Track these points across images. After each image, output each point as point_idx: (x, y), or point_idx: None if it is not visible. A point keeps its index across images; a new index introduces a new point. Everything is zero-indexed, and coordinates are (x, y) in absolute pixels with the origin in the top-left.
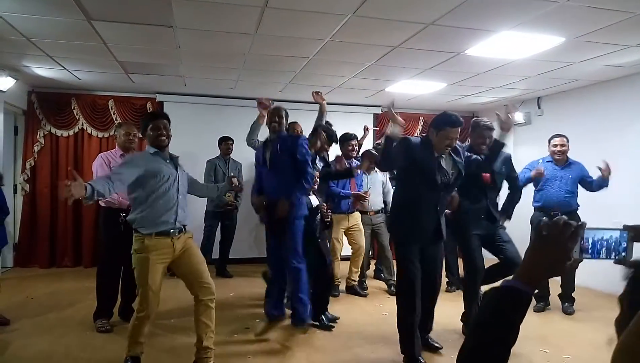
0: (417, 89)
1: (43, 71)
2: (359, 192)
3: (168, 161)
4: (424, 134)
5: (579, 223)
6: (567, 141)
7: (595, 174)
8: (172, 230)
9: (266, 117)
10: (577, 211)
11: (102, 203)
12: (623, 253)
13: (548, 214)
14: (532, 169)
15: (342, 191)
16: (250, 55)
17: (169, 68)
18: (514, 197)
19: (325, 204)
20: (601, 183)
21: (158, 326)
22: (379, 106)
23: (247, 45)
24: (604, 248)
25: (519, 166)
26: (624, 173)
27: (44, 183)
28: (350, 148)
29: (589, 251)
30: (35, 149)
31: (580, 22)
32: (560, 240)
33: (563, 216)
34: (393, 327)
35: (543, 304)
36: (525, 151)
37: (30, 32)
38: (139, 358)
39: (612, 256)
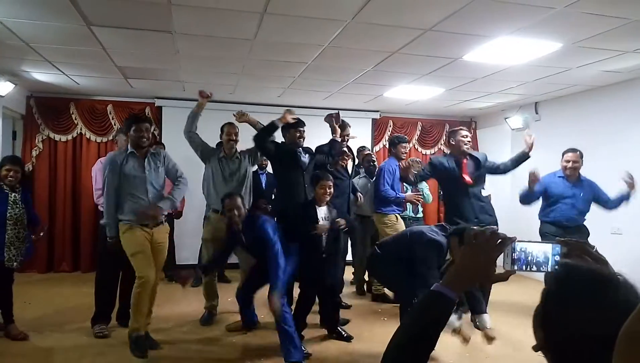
0: (416, 94)
1: (42, 75)
2: (414, 194)
3: (140, 158)
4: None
5: (510, 236)
6: (582, 157)
7: (609, 186)
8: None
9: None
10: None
11: (100, 208)
12: (555, 267)
13: (557, 226)
14: (541, 187)
15: (398, 194)
16: (249, 60)
17: (168, 73)
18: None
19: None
20: (622, 199)
21: (156, 330)
22: (378, 111)
23: (246, 50)
24: (535, 261)
25: (516, 170)
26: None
27: (42, 188)
28: (403, 150)
29: (522, 263)
30: (34, 154)
31: (578, 28)
32: (486, 249)
33: (492, 226)
34: None
35: None
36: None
37: (29, 37)
38: (142, 336)
39: (543, 269)
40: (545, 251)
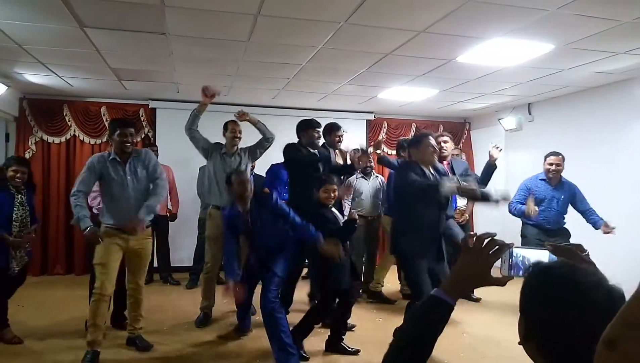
0: (410, 95)
1: (35, 77)
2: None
3: (122, 163)
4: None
5: (507, 243)
6: (563, 161)
7: (600, 187)
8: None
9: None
10: (566, 226)
11: (94, 210)
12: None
13: (539, 228)
14: (527, 191)
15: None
16: (244, 62)
17: (161, 75)
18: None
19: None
20: (597, 224)
21: (150, 333)
22: (372, 113)
23: (240, 52)
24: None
25: (510, 170)
26: (615, 179)
27: (36, 190)
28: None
29: (519, 269)
30: (27, 156)
31: (569, 30)
32: (483, 254)
33: (490, 232)
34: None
35: None
36: (516, 157)
37: (22, 39)
38: (97, 353)
39: None
40: (541, 258)
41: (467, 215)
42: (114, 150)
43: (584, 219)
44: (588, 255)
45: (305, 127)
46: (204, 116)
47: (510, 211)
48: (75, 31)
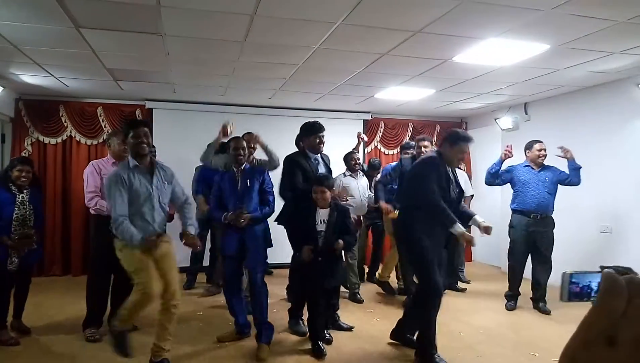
0: (406, 95)
1: (31, 78)
2: None
3: (146, 173)
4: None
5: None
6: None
7: (596, 184)
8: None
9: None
10: (553, 215)
11: (92, 211)
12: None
13: (528, 216)
14: (509, 173)
15: None
16: (240, 62)
17: (158, 75)
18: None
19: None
20: (573, 169)
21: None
22: (369, 113)
23: (236, 52)
24: (587, 291)
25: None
26: (611, 178)
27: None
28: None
29: (583, 295)
30: None
31: (565, 30)
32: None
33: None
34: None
35: (514, 303)
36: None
37: (17, 39)
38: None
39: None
40: (594, 281)
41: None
42: (130, 155)
43: (575, 182)
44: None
45: (307, 133)
46: (200, 118)
47: (486, 178)
48: (70, 32)
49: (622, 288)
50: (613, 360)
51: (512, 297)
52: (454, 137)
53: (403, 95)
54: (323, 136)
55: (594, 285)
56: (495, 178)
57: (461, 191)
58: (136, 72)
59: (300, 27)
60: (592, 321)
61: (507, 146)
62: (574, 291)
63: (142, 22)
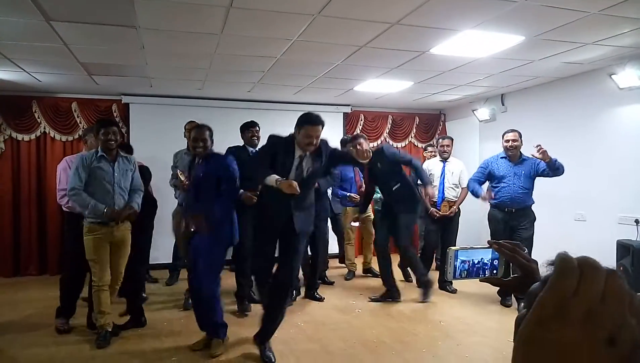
0: (385, 87)
1: (1, 73)
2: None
3: (110, 160)
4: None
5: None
6: (520, 137)
7: (570, 173)
8: (110, 222)
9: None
10: (532, 207)
11: (64, 208)
12: (494, 271)
13: (503, 210)
14: (485, 170)
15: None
16: (217, 55)
17: (133, 69)
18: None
19: None
20: (551, 168)
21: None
22: (349, 105)
23: (213, 45)
24: (475, 268)
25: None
26: (586, 168)
27: (6, 189)
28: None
29: (472, 273)
30: None
31: (539, 21)
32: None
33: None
34: None
35: (509, 298)
36: (490, 147)
37: None
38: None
39: (481, 275)
40: (484, 256)
41: (455, 208)
42: (100, 150)
43: (555, 173)
44: (527, 252)
45: (243, 127)
46: (178, 112)
47: (468, 188)
48: (40, 25)
49: (575, 269)
50: (566, 335)
51: (505, 293)
52: (300, 119)
53: (382, 87)
54: (257, 130)
55: (487, 260)
56: (476, 194)
57: (314, 174)
58: (111, 66)
59: (277, 20)
60: (545, 301)
61: (490, 195)
62: (463, 268)
63: (115, 14)
